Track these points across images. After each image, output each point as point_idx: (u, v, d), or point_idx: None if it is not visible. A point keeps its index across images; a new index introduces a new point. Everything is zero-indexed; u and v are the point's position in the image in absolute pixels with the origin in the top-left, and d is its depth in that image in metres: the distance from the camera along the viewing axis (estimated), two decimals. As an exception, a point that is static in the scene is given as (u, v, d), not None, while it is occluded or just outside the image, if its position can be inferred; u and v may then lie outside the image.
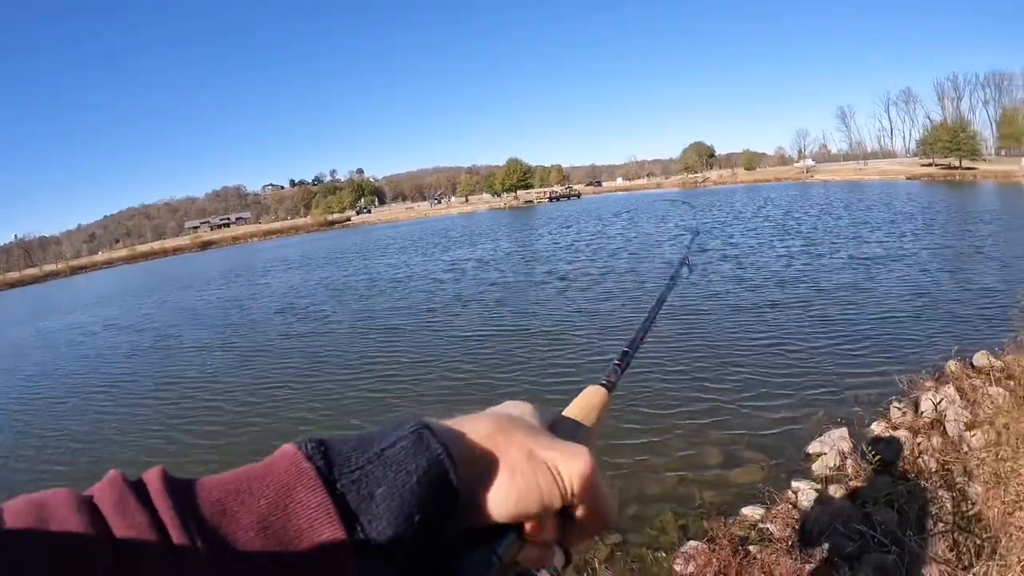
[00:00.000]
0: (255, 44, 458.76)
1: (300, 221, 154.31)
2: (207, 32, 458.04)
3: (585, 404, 1.31)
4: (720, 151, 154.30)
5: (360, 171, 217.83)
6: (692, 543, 5.82)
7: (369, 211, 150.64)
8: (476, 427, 0.68)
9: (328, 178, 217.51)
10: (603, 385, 1.53)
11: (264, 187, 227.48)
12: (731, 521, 6.14)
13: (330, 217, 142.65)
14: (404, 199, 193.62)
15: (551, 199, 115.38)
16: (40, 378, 19.52)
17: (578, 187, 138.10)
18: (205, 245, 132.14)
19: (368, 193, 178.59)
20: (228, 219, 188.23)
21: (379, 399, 11.91)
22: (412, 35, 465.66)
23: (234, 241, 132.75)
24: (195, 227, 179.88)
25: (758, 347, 11.86)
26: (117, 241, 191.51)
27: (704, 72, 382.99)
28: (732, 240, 28.12)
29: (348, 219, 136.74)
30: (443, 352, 14.63)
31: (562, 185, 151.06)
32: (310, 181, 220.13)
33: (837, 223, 31.71)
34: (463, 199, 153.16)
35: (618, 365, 1.78)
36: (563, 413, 1.00)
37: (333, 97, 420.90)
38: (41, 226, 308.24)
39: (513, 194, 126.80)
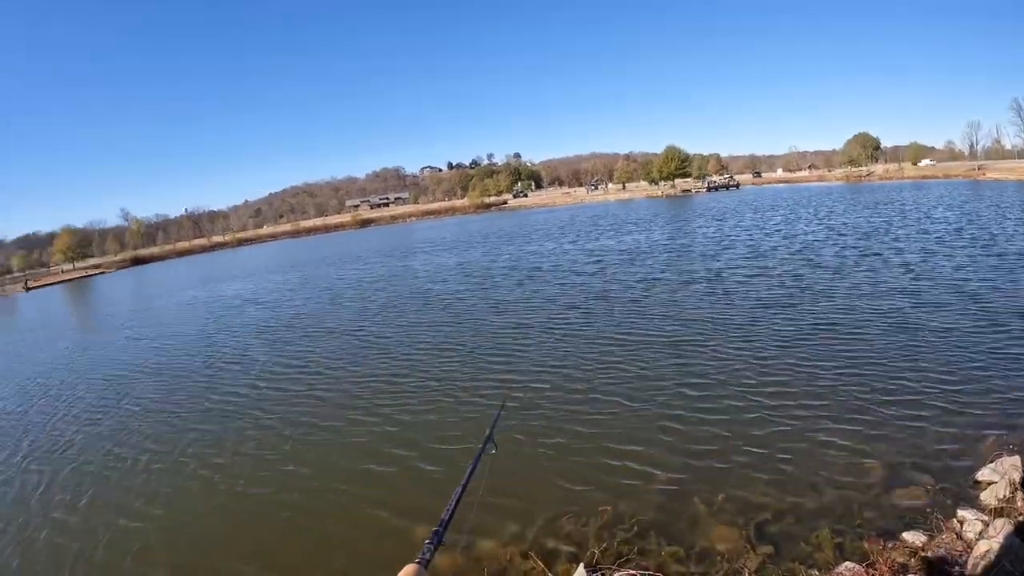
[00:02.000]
0: (416, 29, 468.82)
1: (457, 202, 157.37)
2: (370, 21, 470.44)
3: None
4: (886, 143, 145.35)
5: (517, 155, 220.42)
6: (848, 564, 5.80)
7: (526, 195, 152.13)
8: None
9: (485, 162, 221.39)
10: (418, 563, 2.08)
11: (422, 169, 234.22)
12: (891, 545, 6.01)
13: (487, 199, 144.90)
14: (560, 184, 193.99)
15: (709, 189, 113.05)
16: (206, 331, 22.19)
17: (737, 177, 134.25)
18: (365, 223, 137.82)
19: (525, 177, 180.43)
20: (387, 199, 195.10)
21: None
22: (569, 21, 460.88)
23: (392, 220, 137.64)
24: (355, 205, 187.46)
25: (929, 364, 11.31)
26: (281, 216, 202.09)
27: (868, 59, 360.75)
28: (903, 244, 26.42)
29: (504, 202, 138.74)
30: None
31: (720, 174, 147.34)
32: (467, 164, 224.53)
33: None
34: (620, 186, 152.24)
35: (430, 543, 2.38)
36: None
37: (492, 82, 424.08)
38: (210, 201, 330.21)
39: (670, 182, 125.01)
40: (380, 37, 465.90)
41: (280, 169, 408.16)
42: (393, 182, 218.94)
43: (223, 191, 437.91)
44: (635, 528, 7.33)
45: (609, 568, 6.45)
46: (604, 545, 7.03)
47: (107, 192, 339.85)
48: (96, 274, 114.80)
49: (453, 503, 2.80)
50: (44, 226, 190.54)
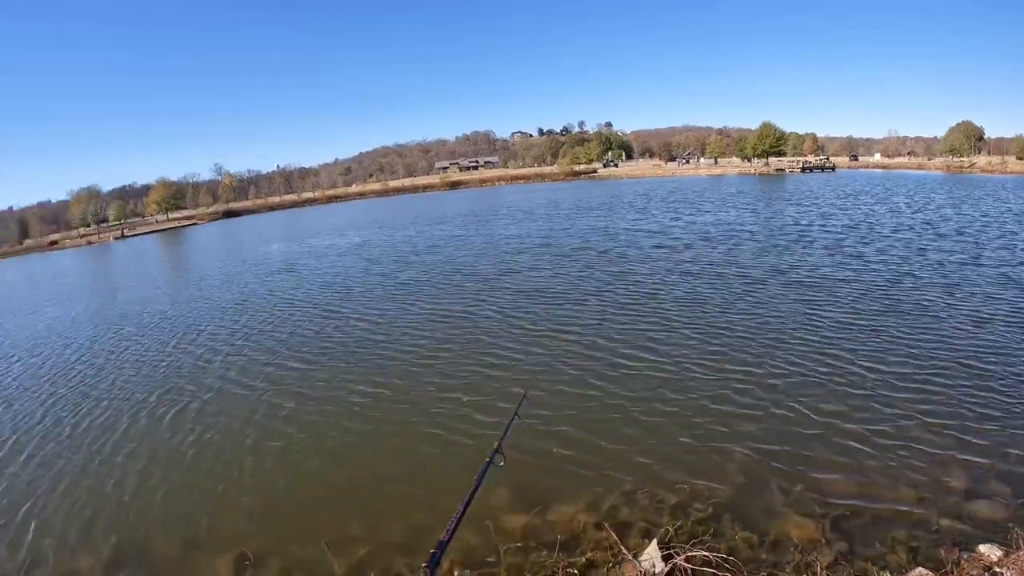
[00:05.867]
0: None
1: (547, 169, 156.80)
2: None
3: None
4: (990, 134, 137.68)
5: (609, 124, 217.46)
6: (921, 570, 5.94)
7: (616, 165, 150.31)
8: None
9: (576, 129, 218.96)
10: None
11: (513, 134, 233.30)
12: (965, 556, 6.09)
13: (576, 168, 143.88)
14: (651, 156, 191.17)
15: (803, 169, 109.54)
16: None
17: (833, 159, 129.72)
18: (453, 185, 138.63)
19: (616, 147, 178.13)
20: (477, 162, 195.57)
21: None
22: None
23: (481, 183, 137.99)
24: (445, 167, 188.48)
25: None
26: (371, 176, 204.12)
27: (975, 44, 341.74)
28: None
29: (595, 171, 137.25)
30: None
31: (815, 155, 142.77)
32: (558, 131, 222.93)
33: None
34: (712, 161, 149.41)
35: (427, 567, 2.38)
36: None
37: (585, 50, 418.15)
38: (301, 159, 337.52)
39: (764, 160, 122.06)
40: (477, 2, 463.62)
41: (371, 129, 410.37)
42: (483, 146, 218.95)
43: (314, 149, 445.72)
44: (710, 509, 7.60)
45: (681, 547, 6.62)
46: (678, 523, 7.30)
47: (201, 148, 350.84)
48: (189, 224, 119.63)
49: (454, 524, 2.74)
50: (140, 178, 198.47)
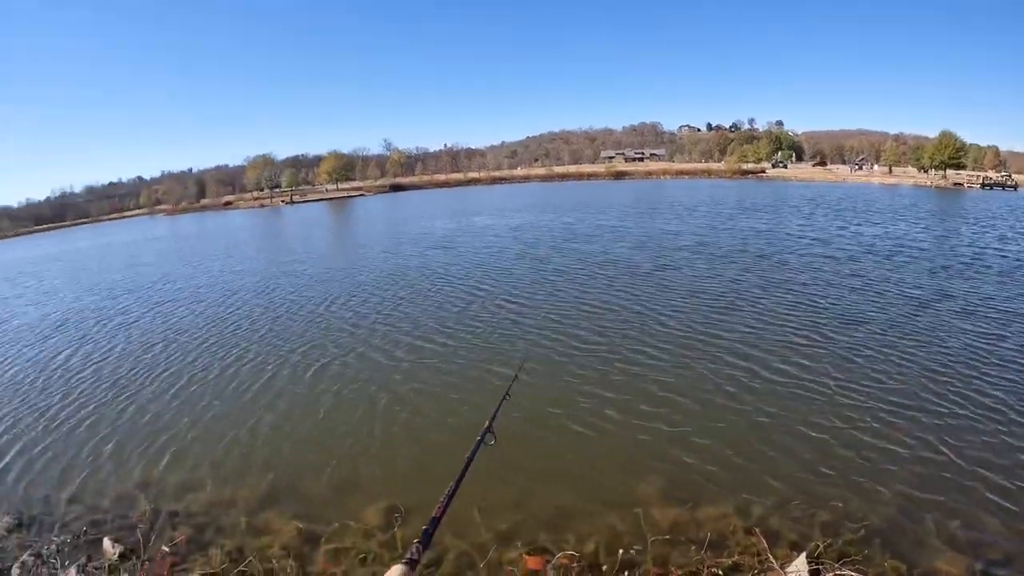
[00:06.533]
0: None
1: (713, 165, 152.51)
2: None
3: None
4: None
5: (779, 123, 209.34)
6: None
7: (785, 166, 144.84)
8: None
9: (746, 126, 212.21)
10: (406, 563, 2.17)
11: (680, 127, 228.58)
12: None
13: (744, 166, 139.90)
14: (821, 159, 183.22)
15: (983, 185, 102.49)
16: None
17: (1017, 176, 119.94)
18: (618, 175, 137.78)
19: (785, 147, 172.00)
20: (643, 153, 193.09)
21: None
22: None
23: (647, 176, 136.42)
24: (610, 157, 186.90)
25: None
26: (536, 160, 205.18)
27: None
28: None
29: (763, 171, 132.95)
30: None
31: (996, 170, 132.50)
32: (727, 127, 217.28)
33: None
34: (886, 168, 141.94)
35: (419, 544, 2.43)
36: None
37: (760, 43, 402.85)
38: (468, 139, 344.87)
39: (941, 172, 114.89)
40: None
41: (538, 114, 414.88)
42: (650, 137, 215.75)
43: (481, 131, 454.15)
44: (862, 531, 7.72)
45: (830, 564, 6.84)
46: (829, 541, 7.48)
47: (372, 124, 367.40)
48: (356, 195, 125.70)
49: (445, 501, 2.77)
50: (312, 149, 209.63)
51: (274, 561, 7.79)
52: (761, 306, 18.63)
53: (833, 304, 18.69)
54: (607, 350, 15.17)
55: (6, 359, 19.61)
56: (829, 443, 10.08)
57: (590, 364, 14.30)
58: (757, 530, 7.65)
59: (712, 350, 14.84)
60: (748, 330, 16.32)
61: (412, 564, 2.06)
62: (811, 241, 31.41)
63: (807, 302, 18.90)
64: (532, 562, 7.35)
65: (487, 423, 3.58)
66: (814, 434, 10.41)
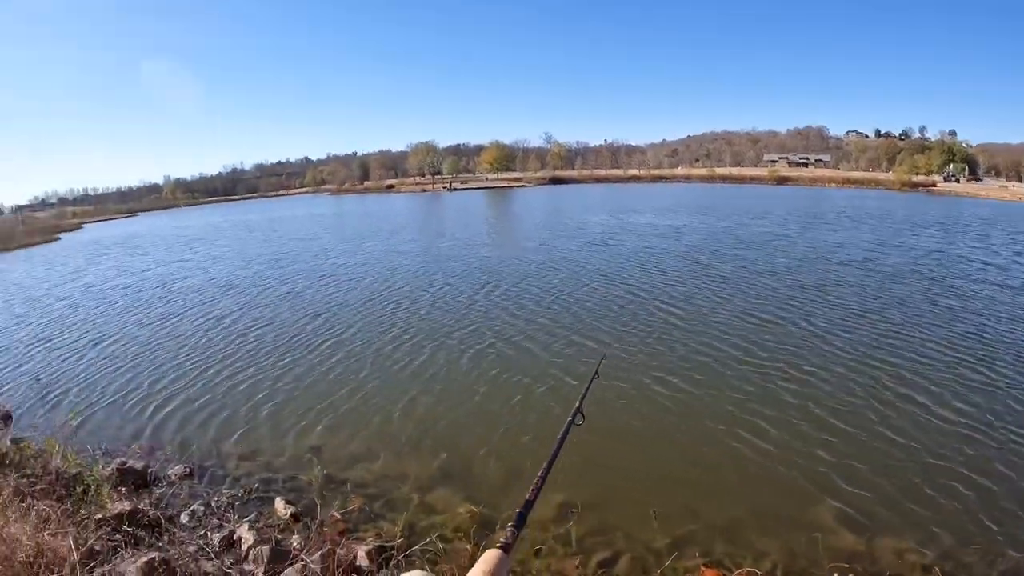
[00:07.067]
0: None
1: (881, 175, 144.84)
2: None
3: (485, 568, 1.86)
4: None
5: (952, 133, 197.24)
6: None
7: (957, 180, 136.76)
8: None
9: (916, 134, 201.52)
10: (500, 548, 2.08)
11: (847, 133, 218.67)
12: None
13: (914, 178, 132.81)
14: (997, 174, 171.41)
15: None
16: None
17: None
18: (781, 180, 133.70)
19: (959, 160, 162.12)
20: (807, 159, 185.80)
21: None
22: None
23: (811, 183, 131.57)
24: (773, 161, 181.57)
25: None
26: (696, 160, 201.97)
27: None
28: None
29: (933, 184, 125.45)
30: None
31: None
32: (897, 134, 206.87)
33: None
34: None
35: (514, 527, 2.29)
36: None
37: (931, 41, 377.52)
38: (628, 136, 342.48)
39: None
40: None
41: (700, 113, 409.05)
42: (815, 142, 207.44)
43: (642, 128, 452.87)
44: None
45: None
46: None
47: (534, 117, 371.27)
48: (516, 186, 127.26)
49: (539, 482, 2.62)
50: (474, 138, 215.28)
51: (452, 542, 7.91)
52: (931, 333, 17.03)
53: (1008, 339, 16.50)
54: (769, 365, 14.55)
55: (178, 316, 21.69)
56: (998, 493, 9.07)
57: (749, 378, 13.81)
58: (937, 569, 7.21)
59: (880, 375, 13.80)
60: (918, 358, 14.93)
61: (506, 548, 1.98)
62: (983, 266, 28.55)
63: (980, 333, 16.98)
64: (711, 575, 7.24)
65: (577, 403, 3.35)
66: (993, 480, 9.40)
